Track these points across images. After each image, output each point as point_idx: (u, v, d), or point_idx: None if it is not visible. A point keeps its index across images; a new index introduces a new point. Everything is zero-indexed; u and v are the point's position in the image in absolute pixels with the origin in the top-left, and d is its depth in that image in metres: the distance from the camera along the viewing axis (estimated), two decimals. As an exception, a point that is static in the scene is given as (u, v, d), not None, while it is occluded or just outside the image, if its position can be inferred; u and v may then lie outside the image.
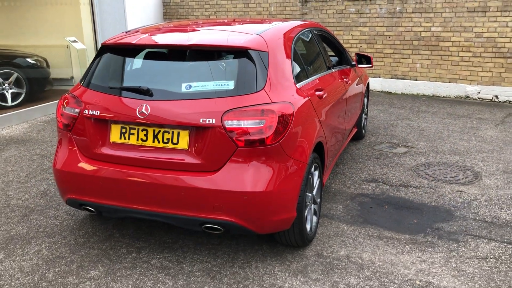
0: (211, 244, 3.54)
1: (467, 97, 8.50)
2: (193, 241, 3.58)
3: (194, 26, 3.74)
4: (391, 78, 9.27)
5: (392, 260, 3.31)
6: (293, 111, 3.05)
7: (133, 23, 9.58)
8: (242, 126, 2.90)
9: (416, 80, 9.00)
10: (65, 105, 3.34)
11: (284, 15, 10.32)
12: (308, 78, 3.71)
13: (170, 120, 2.98)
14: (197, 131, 2.97)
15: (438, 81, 8.75)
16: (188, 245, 3.54)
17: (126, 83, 3.18)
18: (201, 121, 2.91)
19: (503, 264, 3.24)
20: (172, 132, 3.02)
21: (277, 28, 3.58)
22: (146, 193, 3.06)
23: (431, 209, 4.11)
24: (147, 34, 3.45)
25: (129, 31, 3.72)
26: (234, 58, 3.13)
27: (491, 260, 3.29)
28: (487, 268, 3.20)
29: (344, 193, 4.48)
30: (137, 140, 3.10)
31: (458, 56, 8.44)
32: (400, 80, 9.06)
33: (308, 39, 4.16)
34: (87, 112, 3.18)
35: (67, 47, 9.07)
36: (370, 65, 5.17)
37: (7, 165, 5.29)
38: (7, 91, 7.49)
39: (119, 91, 3.14)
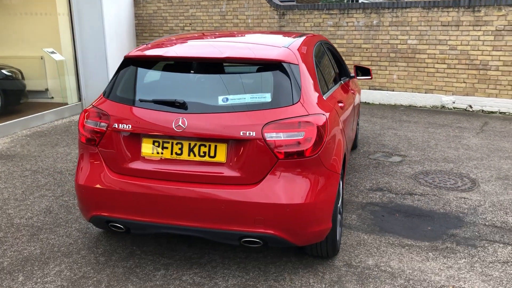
0: (239, 258, 3.50)
1: (443, 106, 8.84)
2: (219, 256, 3.53)
3: (214, 38, 3.72)
4: (369, 89, 9.52)
5: (420, 267, 3.38)
6: (328, 123, 3.08)
7: (110, 35, 9.38)
8: (282, 138, 2.90)
9: (393, 90, 9.28)
10: (89, 119, 3.23)
11: (261, 27, 10.41)
12: (328, 90, 3.76)
13: (208, 134, 2.94)
14: (236, 144, 2.95)
15: (415, 92, 9.07)
16: (215, 259, 3.48)
17: (157, 96, 3.11)
18: (241, 133, 2.89)
19: (524, 267, 3.39)
20: (209, 145, 2.99)
21: (300, 41, 3.62)
22: (182, 207, 3.00)
23: (441, 216, 4.24)
24: (174, 47, 3.40)
25: (148, 43, 3.65)
26: (268, 70, 3.14)
27: (512, 263, 3.44)
28: (511, 271, 3.33)
29: (354, 202, 4.54)
30: (171, 154, 3.04)
31: (434, 67, 8.79)
32: (377, 91, 9.31)
33: (321, 52, 4.23)
34: (116, 126, 3.08)
35: (41, 58, 8.77)
36: (370, 77, 5.30)
37: (-2, 182, 5.04)
38: (-18, 104, 7.16)
39: (152, 104, 3.07)
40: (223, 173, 2.97)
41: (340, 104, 3.69)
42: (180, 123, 2.95)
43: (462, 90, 8.63)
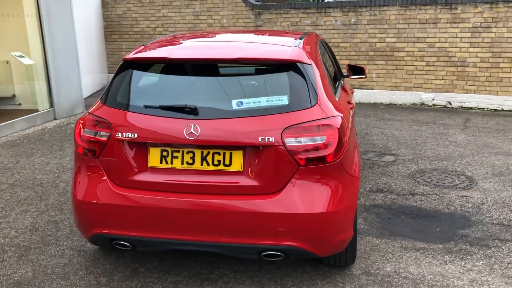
0: (251, 271, 3.29)
1: (423, 104, 8.88)
2: (229, 269, 3.31)
3: (215, 38, 3.49)
4: (348, 88, 9.45)
5: (440, 271, 3.27)
6: (345, 125, 2.92)
7: (79, 38, 8.95)
8: (303, 143, 2.72)
9: (373, 89, 9.26)
10: (87, 128, 2.95)
11: (237, 27, 10.20)
12: (337, 90, 3.61)
13: (224, 141, 2.72)
14: (253, 150, 2.74)
15: (394, 90, 9.07)
16: (226, 274, 3.26)
17: (165, 102, 2.85)
18: (259, 140, 2.69)
19: (543, 266, 3.33)
20: (224, 153, 2.77)
21: (306, 40, 3.44)
22: (195, 221, 2.77)
23: (447, 216, 4.16)
24: (178, 48, 3.15)
25: (145, 44, 3.39)
26: (282, 71, 2.94)
27: (530, 263, 3.37)
28: (532, 271, 3.27)
29: (357, 205, 4.40)
30: (182, 163, 2.80)
31: (413, 65, 8.81)
32: (357, 89, 9.26)
33: (323, 51, 4.07)
34: (120, 135, 2.82)
35: (7, 62, 8.26)
36: (364, 76, 5.19)
37: (-27, 198, 4.64)
38: None
39: (159, 111, 2.82)
40: (239, 182, 2.76)
41: (350, 105, 3.54)
42: (192, 130, 2.72)
43: (441, 87, 8.68)
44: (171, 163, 2.81)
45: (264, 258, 2.82)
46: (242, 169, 2.76)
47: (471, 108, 8.50)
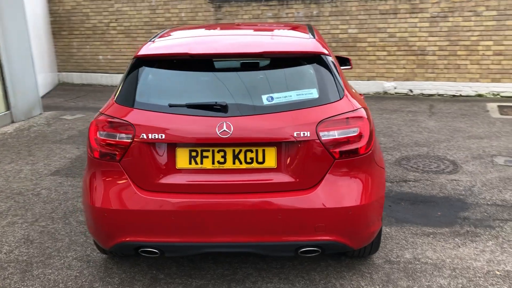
0: (275, 269, 3.24)
1: (385, 92, 9.13)
2: (252, 269, 3.24)
3: (228, 32, 3.37)
4: (312, 79, 9.54)
5: (457, 254, 3.37)
6: (371, 117, 2.92)
7: (32, 35, 8.41)
8: (337, 136, 2.69)
9: (337, 79, 9.39)
10: (105, 130, 2.77)
11: (196, 21, 10.00)
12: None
13: (258, 138, 2.65)
14: (287, 146, 2.68)
15: (358, 80, 9.25)
16: (251, 273, 3.19)
17: (191, 100, 2.72)
18: (295, 134, 2.64)
19: (547, 242, 3.52)
20: (256, 150, 2.69)
21: (316, 32, 3.40)
22: (230, 222, 2.68)
23: (443, 200, 4.30)
24: (195, 42, 3.01)
25: (152, 40, 3.22)
26: (307, 64, 2.89)
27: (535, 240, 3.55)
28: (539, 247, 3.44)
29: (356, 195, 4.45)
30: (213, 163, 2.69)
31: (375, 55, 9.03)
32: (321, 80, 9.35)
33: (323, 43, 4.06)
34: (145, 137, 2.66)
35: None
36: (350, 67, 5.23)
37: None
38: None
39: (185, 109, 2.69)
40: (273, 179, 2.70)
41: (362, 96, 3.55)
42: (225, 128, 2.61)
43: (403, 76, 8.96)
44: (201, 163, 2.69)
45: (301, 254, 2.78)
46: (276, 166, 2.69)
47: (431, 95, 8.84)
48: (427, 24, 8.58)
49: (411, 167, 5.13)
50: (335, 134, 2.69)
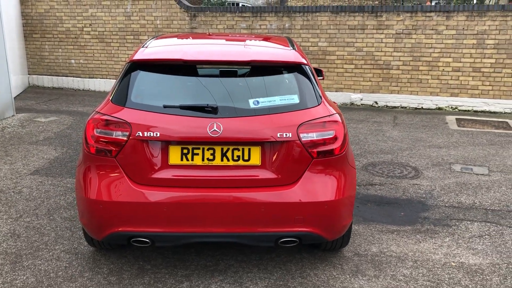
0: (254, 260, 3.50)
1: (352, 103, 9.58)
2: (233, 260, 3.49)
3: (216, 42, 3.64)
4: (283, 89, 9.90)
5: (418, 249, 3.73)
6: (344, 122, 3.25)
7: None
8: (315, 138, 3.00)
9: (306, 90, 9.78)
10: (102, 128, 2.97)
11: (171, 29, 10.22)
12: (321, 90, 3.93)
13: (245, 137, 2.92)
14: (270, 146, 2.97)
15: (326, 91, 9.66)
16: (233, 264, 3.44)
17: (183, 102, 2.97)
18: (278, 135, 2.93)
19: (497, 238, 3.92)
20: (243, 149, 2.96)
21: (296, 44, 3.72)
22: (217, 214, 2.94)
23: (406, 202, 4.68)
24: (188, 49, 3.26)
25: (145, 45, 3.45)
26: (290, 72, 3.20)
27: (486, 237, 3.95)
28: (489, 243, 3.84)
29: (327, 196, 4.78)
30: (203, 160, 2.95)
31: (343, 68, 9.48)
32: (291, 90, 9.73)
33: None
34: (141, 135, 2.90)
35: None
36: (322, 78, 5.58)
37: None
38: None
39: (179, 110, 2.94)
40: (258, 175, 2.98)
41: (336, 104, 3.88)
42: (215, 128, 2.88)
43: (369, 88, 9.44)
44: (192, 160, 2.94)
45: (280, 244, 3.06)
46: (260, 163, 2.97)
47: (395, 107, 9.35)
48: (392, 40, 9.10)
49: (376, 172, 5.51)
50: (313, 136, 2.99)
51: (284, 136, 2.93)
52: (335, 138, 3.05)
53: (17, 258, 3.48)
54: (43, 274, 3.28)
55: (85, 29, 10.78)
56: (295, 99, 3.09)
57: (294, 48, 3.50)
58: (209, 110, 2.92)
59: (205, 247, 3.62)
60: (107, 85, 10.79)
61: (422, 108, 9.20)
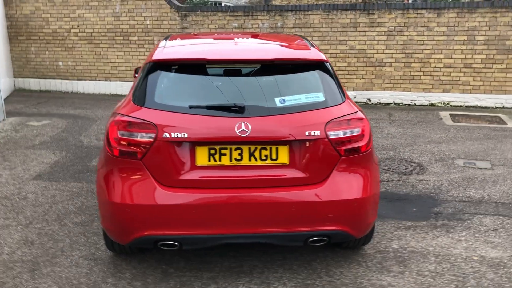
0: (278, 260, 3.48)
1: (346, 101, 9.61)
2: (257, 261, 3.46)
3: (236, 39, 3.59)
4: (276, 88, 9.89)
5: (437, 244, 3.75)
6: (368, 119, 3.25)
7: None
8: (342, 135, 2.99)
9: (300, 88, 9.79)
10: (126, 130, 2.90)
11: (162, 29, 10.10)
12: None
13: (273, 136, 2.89)
14: (298, 144, 2.94)
15: (320, 89, 9.69)
16: (257, 265, 3.40)
17: (209, 102, 2.92)
18: (306, 134, 2.90)
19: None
20: (270, 148, 2.93)
21: (313, 43, 3.71)
22: (246, 214, 2.90)
23: (416, 198, 4.71)
24: (209, 48, 3.22)
25: (165, 45, 3.38)
26: (313, 70, 3.18)
27: (501, 230, 4.00)
28: (506, 236, 3.88)
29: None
30: (231, 160, 2.91)
31: (336, 66, 9.51)
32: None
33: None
34: (168, 136, 2.84)
35: None
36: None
37: None
38: None
39: (205, 110, 2.89)
40: (286, 175, 2.95)
41: (351, 101, 3.88)
42: (243, 128, 2.84)
43: (362, 86, 9.50)
44: (220, 160, 2.90)
45: (310, 243, 3.03)
46: (288, 162, 2.94)
47: (388, 104, 9.42)
48: (384, 38, 9.16)
49: (382, 169, 5.53)
50: (341, 133, 2.98)
51: (312, 134, 2.91)
52: (361, 136, 3.04)
53: (35, 265, 3.38)
54: (65, 281, 3.19)
55: (72, 30, 10.57)
56: (320, 96, 3.07)
57: (313, 46, 3.48)
58: (236, 110, 2.88)
59: (227, 248, 3.58)
60: (96, 87, 10.63)
61: (415, 104, 9.30)
